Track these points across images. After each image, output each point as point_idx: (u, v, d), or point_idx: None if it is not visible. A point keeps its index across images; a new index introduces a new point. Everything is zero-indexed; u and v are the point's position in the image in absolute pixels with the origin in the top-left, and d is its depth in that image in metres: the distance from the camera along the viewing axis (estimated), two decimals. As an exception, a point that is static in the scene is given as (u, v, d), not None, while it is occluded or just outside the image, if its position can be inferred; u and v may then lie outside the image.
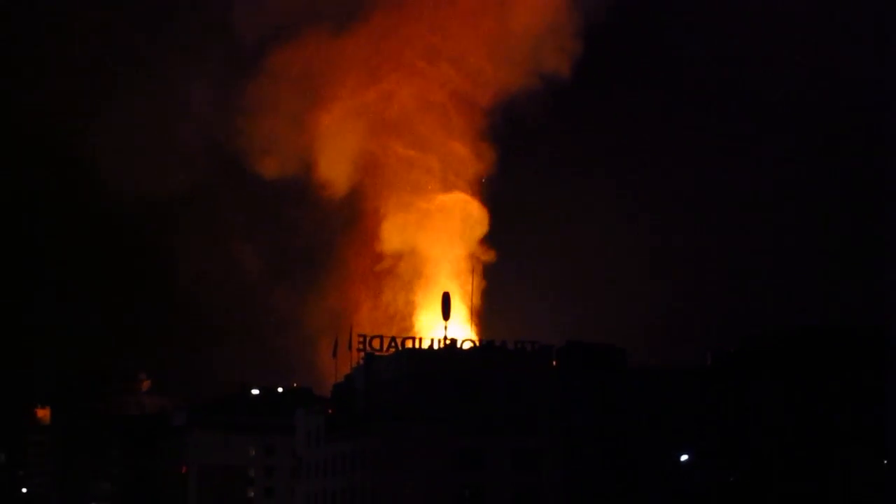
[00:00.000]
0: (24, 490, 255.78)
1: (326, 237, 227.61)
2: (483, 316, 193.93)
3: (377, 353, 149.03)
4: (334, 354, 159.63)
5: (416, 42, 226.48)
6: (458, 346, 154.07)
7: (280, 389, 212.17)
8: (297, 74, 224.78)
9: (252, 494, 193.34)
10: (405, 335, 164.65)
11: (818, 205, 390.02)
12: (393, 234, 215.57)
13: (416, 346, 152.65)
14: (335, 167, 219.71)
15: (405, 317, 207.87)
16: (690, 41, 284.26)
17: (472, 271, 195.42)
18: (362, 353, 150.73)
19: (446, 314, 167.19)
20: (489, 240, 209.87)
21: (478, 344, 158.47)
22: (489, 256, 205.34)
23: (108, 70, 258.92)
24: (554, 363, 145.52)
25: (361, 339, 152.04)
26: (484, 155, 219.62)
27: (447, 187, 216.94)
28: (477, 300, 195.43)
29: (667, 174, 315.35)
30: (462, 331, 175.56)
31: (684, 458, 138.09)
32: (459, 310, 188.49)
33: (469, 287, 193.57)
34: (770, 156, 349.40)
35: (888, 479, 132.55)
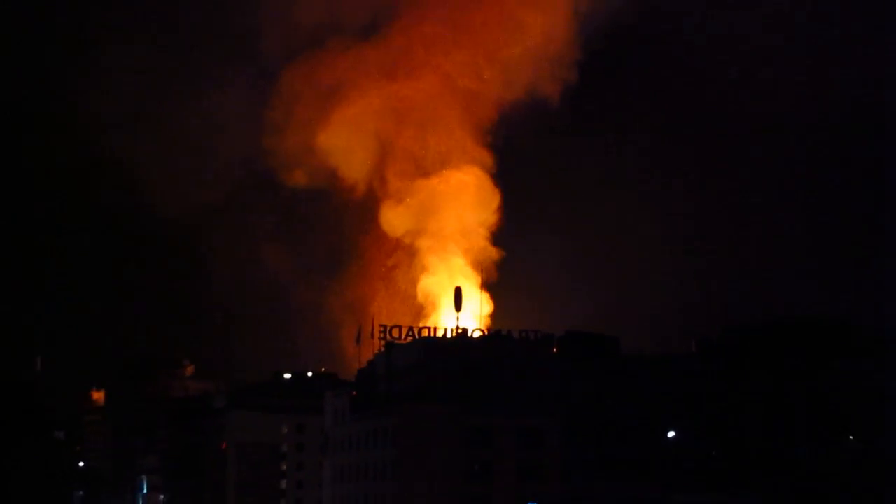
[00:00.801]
0: (81, 464, 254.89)
1: (346, 235, 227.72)
2: (492, 303, 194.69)
3: (396, 342, 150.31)
4: (358, 342, 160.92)
5: (433, 54, 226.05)
6: (469, 334, 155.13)
7: (309, 374, 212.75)
8: (316, 89, 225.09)
9: (285, 468, 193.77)
10: (420, 323, 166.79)
11: (800, 208, 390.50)
12: (408, 221, 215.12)
13: (431, 334, 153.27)
14: (354, 171, 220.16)
15: (418, 300, 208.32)
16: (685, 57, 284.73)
17: (482, 269, 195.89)
18: (383, 342, 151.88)
19: (458, 306, 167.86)
20: (495, 238, 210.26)
21: (486, 333, 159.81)
22: (497, 253, 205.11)
23: (156, 91, 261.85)
24: (555, 350, 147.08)
25: (382, 329, 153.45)
26: (488, 158, 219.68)
27: (460, 171, 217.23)
28: (485, 293, 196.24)
29: (659, 180, 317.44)
30: (472, 318, 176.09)
31: (671, 434, 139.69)
32: (470, 297, 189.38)
33: (479, 273, 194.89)
34: (761, 158, 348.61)
35: (853, 456, 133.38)
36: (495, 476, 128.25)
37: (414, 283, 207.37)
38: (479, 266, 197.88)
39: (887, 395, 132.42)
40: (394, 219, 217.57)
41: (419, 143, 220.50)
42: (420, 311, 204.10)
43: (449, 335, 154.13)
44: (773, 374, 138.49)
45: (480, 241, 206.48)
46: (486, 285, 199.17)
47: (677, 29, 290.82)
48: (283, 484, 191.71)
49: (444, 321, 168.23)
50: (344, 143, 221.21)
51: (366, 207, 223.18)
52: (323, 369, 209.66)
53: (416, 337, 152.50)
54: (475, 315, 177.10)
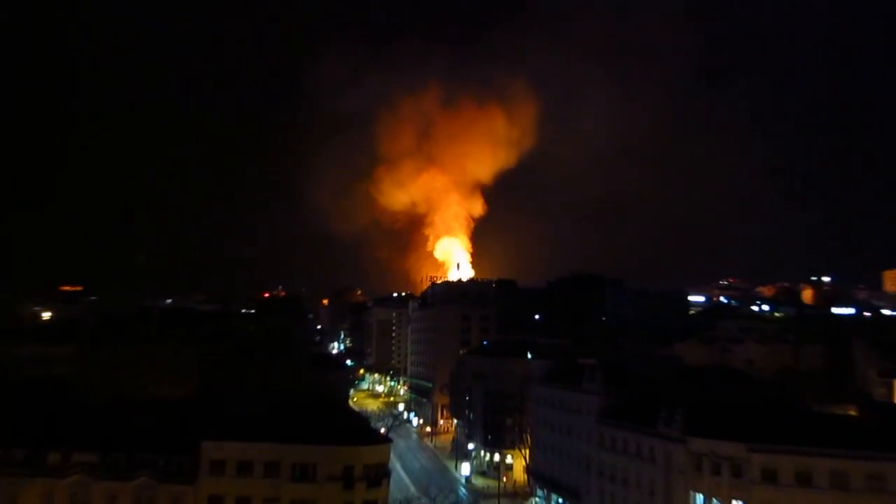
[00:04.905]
0: (318, 327, 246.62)
1: (410, 238, 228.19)
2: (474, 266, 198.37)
3: (435, 282, 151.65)
4: (421, 282, 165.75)
5: (444, 150, 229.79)
6: (463, 280, 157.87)
7: (403, 294, 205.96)
8: (389, 185, 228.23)
9: (394, 328, 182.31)
10: (444, 275, 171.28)
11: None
12: (437, 231, 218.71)
13: (448, 279, 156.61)
14: (413, 214, 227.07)
15: (441, 261, 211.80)
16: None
17: (471, 253, 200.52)
18: (430, 282, 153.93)
19: (458, 268, 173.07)
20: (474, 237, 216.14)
21: (471, 279, 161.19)
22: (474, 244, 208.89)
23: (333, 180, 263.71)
24: (494, 286, 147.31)
25: (431, 277, 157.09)
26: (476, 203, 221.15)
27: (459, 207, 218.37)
28: (470, 265, 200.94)
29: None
30: (465, 272, 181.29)
31: (537, 317, 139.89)
32: (465, 264, 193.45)
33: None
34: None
35: (599, 331, 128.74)
36: (472, 332, 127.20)
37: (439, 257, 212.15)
38: (468, 251, 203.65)
39: (621, 309, 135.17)
40: (433, 229, 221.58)
41: (440, 196, 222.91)
42: (441, 262, 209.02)
43: (455, 280, 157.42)
44: (574, 296, 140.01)
45: (467, 241, 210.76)
46: (471, 261, 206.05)
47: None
48: (393, 335, 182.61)
49: (453, 274, 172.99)
50: (404, 203, 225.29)
51: (419, 226, 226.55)
52: (409, 292, 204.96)
53: (443, 280, 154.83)
54: (466, 270, 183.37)
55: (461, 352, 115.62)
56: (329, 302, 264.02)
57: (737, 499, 43.39)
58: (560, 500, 65.21)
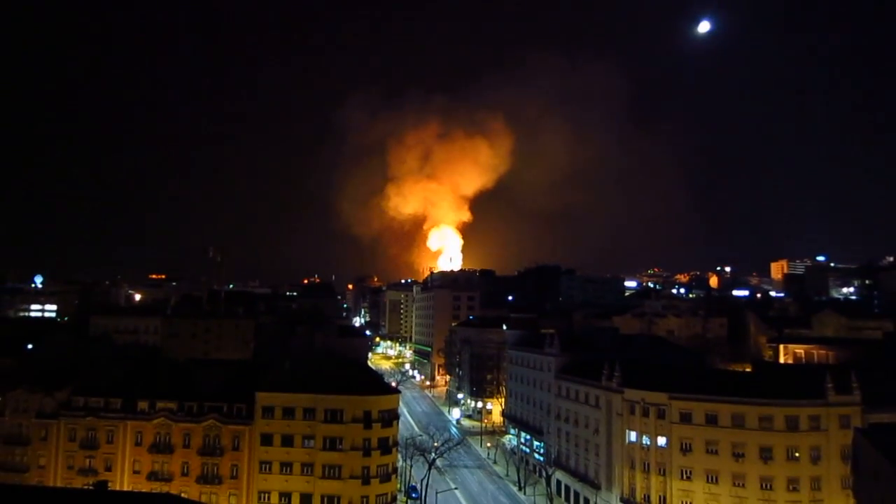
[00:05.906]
0: (344, 305, 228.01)
1: (414, 237, 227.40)
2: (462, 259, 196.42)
3: (433, 272, 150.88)
4: (423, 272, 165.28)
5: (440, 170, 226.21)
6: (454, 270, 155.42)
7: (409, 280, 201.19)
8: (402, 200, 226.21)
9: (402, 307, 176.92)
10: (438, 266, 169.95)
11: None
12: (433, 223, 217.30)
13: (443, 270, 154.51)
14: (417, 214, 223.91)
15: (437, 249, 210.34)
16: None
17: (461, 249, 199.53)
18: (429, 271, 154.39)
19: (451, 260, 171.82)
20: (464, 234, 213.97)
21: (460, 269, 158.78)
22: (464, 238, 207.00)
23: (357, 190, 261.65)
24: (478, 274, 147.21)
25: (430, 268, 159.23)
26: (464, 211, 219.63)
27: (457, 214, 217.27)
28: (461, 258, 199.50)
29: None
30: (457, 264, 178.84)
31: (510, 298, 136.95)
32: (457, 259, 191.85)
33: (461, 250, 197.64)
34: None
35: (558, 305, 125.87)
36: (461, 310, 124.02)
37: (436, 252, 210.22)
38: (458, 247, 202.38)
39: (573, 291, 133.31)
40: (433, 230, 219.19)
41: (440, 201, 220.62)
42: (435, 257, 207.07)
43: (447, 270, 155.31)
44: (538, 282, 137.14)
45: (458, 238, 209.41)
46: (461, 255, 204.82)
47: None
48: (401, 311, 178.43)
49: (446, 265, 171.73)
50: (409, 212, 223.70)
51: (420, 228, 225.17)
52: (414, 279, 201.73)
53: (439, 270, 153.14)
54: (457, 262, 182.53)
55: (453, 324, 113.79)
56: (353, 286, 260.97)
57: (661, 435, 43.50)
58: (527, 436, 65.25)
